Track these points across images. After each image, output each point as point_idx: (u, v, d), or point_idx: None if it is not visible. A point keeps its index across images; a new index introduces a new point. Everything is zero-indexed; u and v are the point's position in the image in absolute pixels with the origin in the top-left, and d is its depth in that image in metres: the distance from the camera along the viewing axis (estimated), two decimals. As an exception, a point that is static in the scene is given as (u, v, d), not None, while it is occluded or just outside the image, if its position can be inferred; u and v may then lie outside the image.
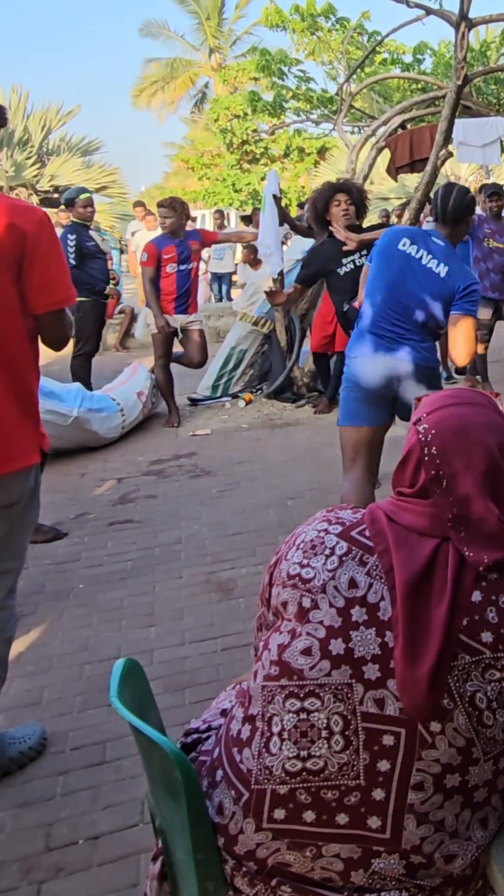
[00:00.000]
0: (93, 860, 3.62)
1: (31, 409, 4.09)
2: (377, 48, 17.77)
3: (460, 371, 13.60)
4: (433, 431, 2.17)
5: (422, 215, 12.80)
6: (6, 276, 3.84)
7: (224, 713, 2.58)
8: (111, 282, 12.32)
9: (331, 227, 7.79)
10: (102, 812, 3.92)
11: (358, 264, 7.69)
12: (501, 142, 13.93)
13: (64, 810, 3.97)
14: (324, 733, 2.00)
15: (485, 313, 11.95)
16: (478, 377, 12.29)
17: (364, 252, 7.54)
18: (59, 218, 12.44)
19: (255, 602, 2.43)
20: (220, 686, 3.80)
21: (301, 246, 12.65)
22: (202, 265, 18.43)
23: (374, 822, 2.00)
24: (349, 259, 7.80)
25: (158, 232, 16.18)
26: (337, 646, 2.02)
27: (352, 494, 6.04)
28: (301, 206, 20.88)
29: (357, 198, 7.92)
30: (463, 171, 31.30)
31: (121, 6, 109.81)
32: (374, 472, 6.56)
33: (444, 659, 1.97)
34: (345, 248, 7.67)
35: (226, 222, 24.43)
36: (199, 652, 5.28)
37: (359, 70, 17.46)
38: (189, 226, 11.90)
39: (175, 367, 11.41)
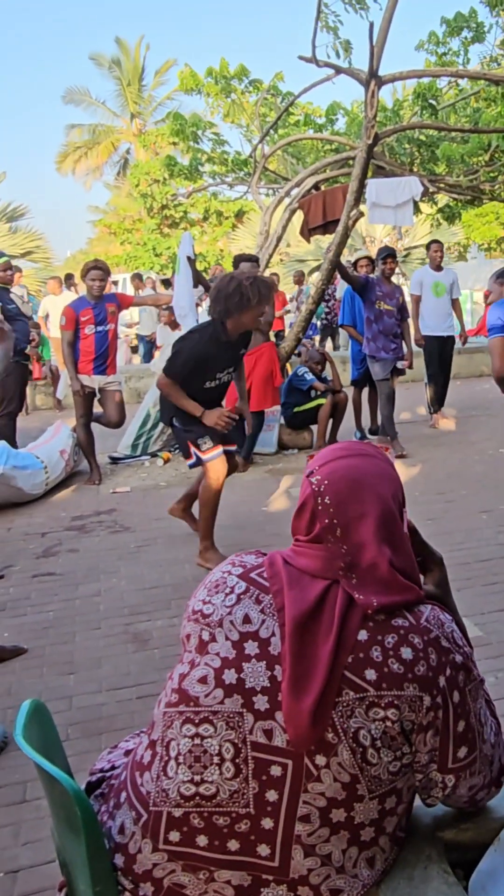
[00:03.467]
0: (13, 892, 3.68)
1: None
2: (290, 109, 17.81)
3: (373, 431, 13.81)
4: (326, 482, 2.26)
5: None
6: None
7: (128, 753, 2.61)
8: (30, 343, 12.39)
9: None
10: (22, 847, 3.96)
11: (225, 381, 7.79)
12: (415, 202, 14.12)
13: None
14: (215, 759, 2.07)
15: (382, 373, 12.19)
16: (387, 437, 12.32)
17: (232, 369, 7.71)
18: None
19: (170, 653, 2.53)
20: (134, 732, 3.85)
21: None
22: (124, 328, 18.50)
23: (263, 849, 2.07)
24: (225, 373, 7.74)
25: (64, 296, 16.26)
26: (230, 675, 2.12)
27: None
28: (219, 266, 21.00)
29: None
30: (378, 231, 31.53)
31: (43, 72, 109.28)
32: None
33: (328, 694, 2.04)
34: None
35: (152, 287, 24.42)
36: (116, 699, 5.33)
37: (273, 131, 17.52)
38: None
39: (96, 427, 11.46)
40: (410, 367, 12.56)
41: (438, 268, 13.12)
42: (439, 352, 12.78)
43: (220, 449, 7.49)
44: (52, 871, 3.69)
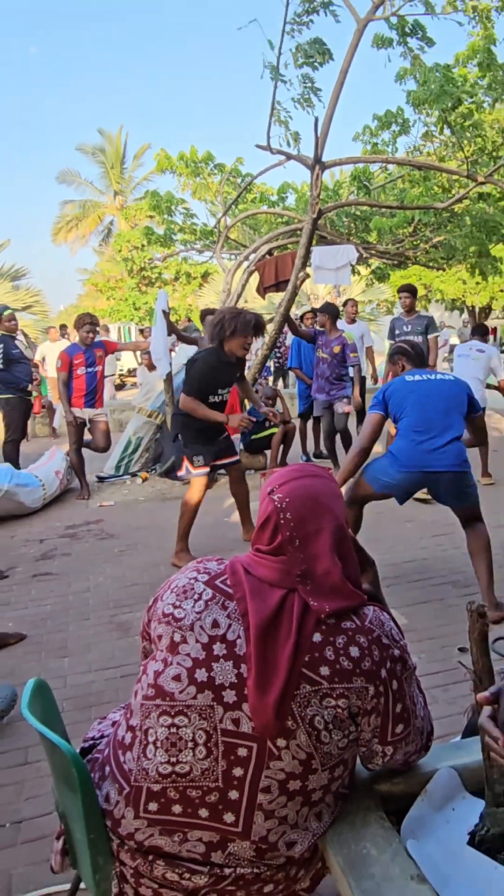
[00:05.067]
0: (17, 839, 3.71)
1: None
2: (248, 188, 17.84)
3: (317, 455, 13.85)
4: (287, 500, 2.27)
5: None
6: None
7: (114, 724, 2.62)
8: (32, 382, 12.40)
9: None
10: (25, 802, 3.99)
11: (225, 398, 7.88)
12: (351, 266, 14.14)
13: None
14: (189, 744, 2.09)
15: (318, 410, 12.17)
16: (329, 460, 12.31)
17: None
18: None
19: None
20: (119, 705, 3.86)
21: (186, 352, 12.89)
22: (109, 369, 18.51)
23: (229, 817, 2.11)
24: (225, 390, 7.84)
25: (59, 343, 16.22)
26: (201, 674, 2.12)
27: None
28: (188, 318, 20.99)
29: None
30: (320, 290, 31.57)
31: (38, 157, 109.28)
32: None
33: (289, 689, 2.06)
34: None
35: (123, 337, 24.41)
36: (103, 678, 5.33)
37: (233, 207, 17.48)
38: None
39: (86, 451, 11.45)
40: (356, 408, 12.50)
41: (352, 321, 13.04)
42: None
43: (206, 469, 7.62)
44: (50, 822, 3.78)
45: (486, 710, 1.72)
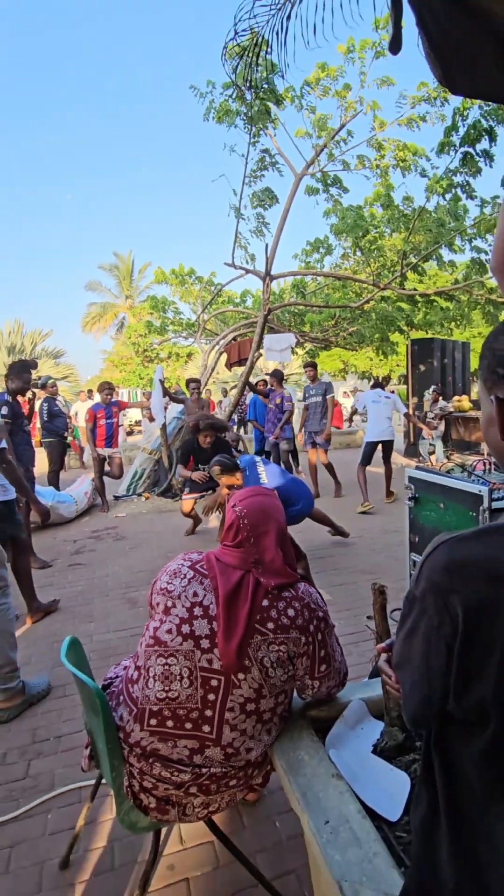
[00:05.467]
0: (58, 749, 3.74)
1: None
2: (219, 294, 18.03)
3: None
4: (245, 511, 2.39)
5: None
6: None
7: (125, 668, 2.65)
8: (67, 430, 12.43)
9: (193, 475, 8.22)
10: (63, 723, 4.03)
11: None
12: (291, 348, 14.19)
13: (42, 721, 4.06)
14: (177, 677, 2.16)
15: (268, 446, 11.98)
16: None
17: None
18: (39, 394, 12.42)
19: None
20: (128, 655, 3.87)
21: (176, 408, 12.93)
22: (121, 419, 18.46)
23: (206, 728, 2.17)
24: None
25: (88, 402, 16.16)
26: (185, 629, 2.19)
27: None
28: (177, 385, 20.90)
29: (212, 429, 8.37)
30: (270, 365, 31.64)
31: (72, 270, 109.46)
32: None
33: (246, 638, 2.14)
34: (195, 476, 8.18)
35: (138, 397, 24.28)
36: (118, 637, 5.31)
37: (208, 307, 17.56)
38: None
39: (105, 478, 11.41)
40: (290, 446, 12.39)
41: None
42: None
43: (194, 496, 8.35)
44: (81, 737, 3.85)
45: (383, 656, 1.76)
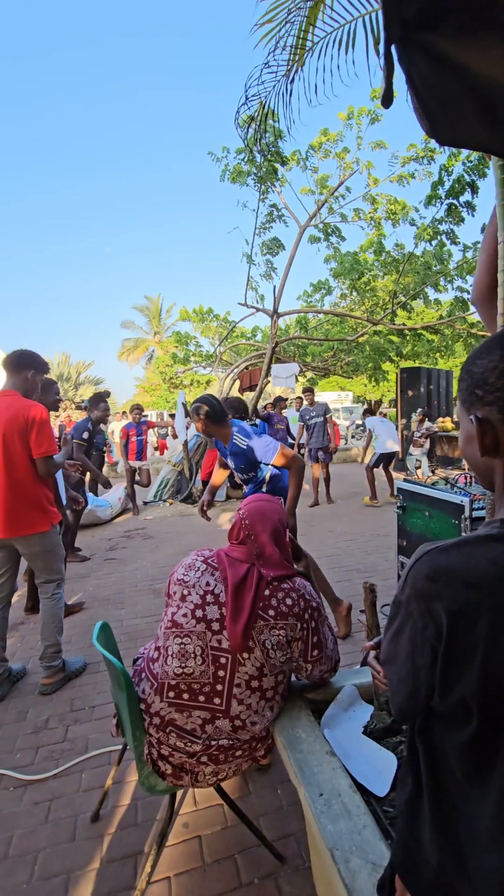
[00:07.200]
0: (92, 717, 3.77)
1: (36, 503, 4.01)
2: (233, 329, 18.07)
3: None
4: (246, 513, 2.43)
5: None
6: (21, 439, 3.96)
7: (147, 648, 2.64)
8: (105, 445, 12.44)
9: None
10: (97, 695, 4.04)
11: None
12: (295, 376, 14.20)
13: (78, 693, 4.08)
14: (192, 655, 2.18)
15: None
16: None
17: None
18: (77, 416, 12.56)
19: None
20: (151, 640, 3.81)
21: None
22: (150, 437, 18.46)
23: (216, 701, 2.18)
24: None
25: (121, 422, 16.18)
26: (199, 613, 2.21)
27: None
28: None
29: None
30: (277, 391, 31.72)
31: (111, 309, 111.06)
32: None
33: (250, 622, 2.16)
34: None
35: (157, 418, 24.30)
36: (145, 622, 5.27)
37: (224, 340, 17.62)
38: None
39: (136, 487, 11.44)
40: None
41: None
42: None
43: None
44: (111, 707, 3.85)
45: (371, 653, 1.73)
